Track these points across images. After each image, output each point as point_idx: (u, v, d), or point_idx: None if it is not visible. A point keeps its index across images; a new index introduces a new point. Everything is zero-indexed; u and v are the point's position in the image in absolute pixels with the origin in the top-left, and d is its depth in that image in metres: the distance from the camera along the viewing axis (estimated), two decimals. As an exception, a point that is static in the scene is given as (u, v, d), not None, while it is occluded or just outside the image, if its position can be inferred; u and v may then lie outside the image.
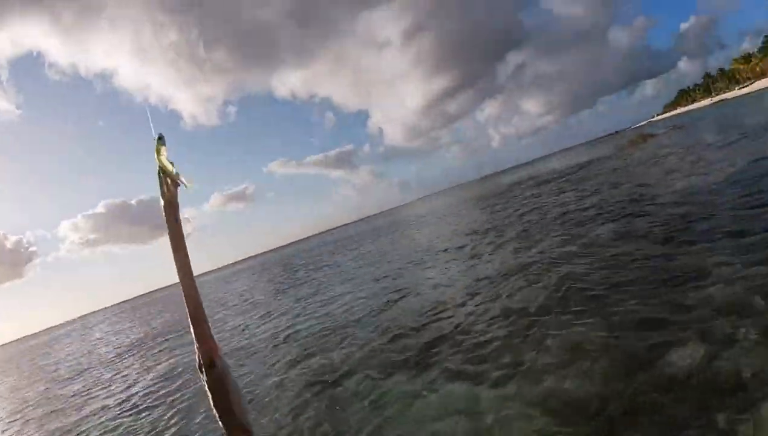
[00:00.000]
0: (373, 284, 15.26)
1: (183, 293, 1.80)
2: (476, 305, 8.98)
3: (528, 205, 23.02)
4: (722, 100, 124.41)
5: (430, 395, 5.87)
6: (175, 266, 1.84)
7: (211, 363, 1.77)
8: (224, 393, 1.78)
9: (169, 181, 1.88)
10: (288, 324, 13.60)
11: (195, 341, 1.77)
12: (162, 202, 1.86)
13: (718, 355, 4.57)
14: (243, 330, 15.25)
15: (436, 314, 9.31)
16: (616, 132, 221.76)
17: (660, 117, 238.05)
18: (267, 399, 7.76)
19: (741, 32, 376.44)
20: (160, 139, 1.87)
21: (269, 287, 28.99)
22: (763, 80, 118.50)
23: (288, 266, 42.26)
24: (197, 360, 1.76)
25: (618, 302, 6.64)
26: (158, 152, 1.86)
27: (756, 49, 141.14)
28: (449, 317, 8.78)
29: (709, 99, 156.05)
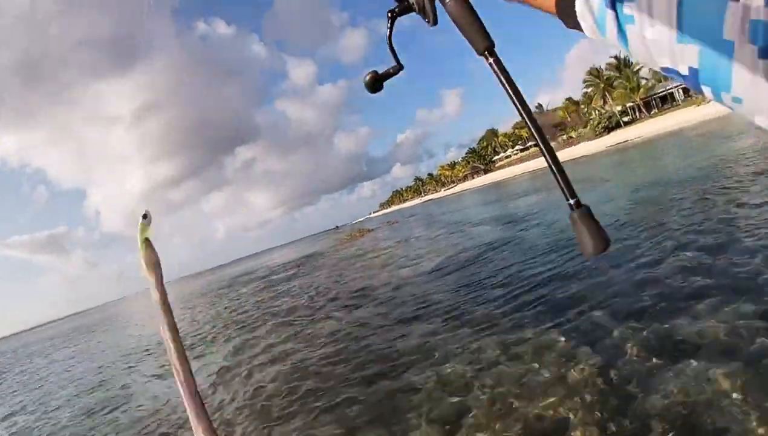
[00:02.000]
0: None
1: (176, 373, 1.78)
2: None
3: (244, 303, 22.65)
4: (430, 199, 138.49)
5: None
6: (166, 341, 1.84)
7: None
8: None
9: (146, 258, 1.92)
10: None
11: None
12: (150, 280, 1.90)
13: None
14: None
15: None
16: (337, 227, 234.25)
17: (376, 214, 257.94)
18: None
19: (447, 144, 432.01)
20: (145, 218, 1.92)
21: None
22: (464, 183, 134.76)
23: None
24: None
25: (345, 396, 6.50)
26: (141, 232, 1.92)
27: (460, 159, 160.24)
28: None
29: (419, 199, 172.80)
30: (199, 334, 16.35)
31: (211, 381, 9.60)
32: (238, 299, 25.24)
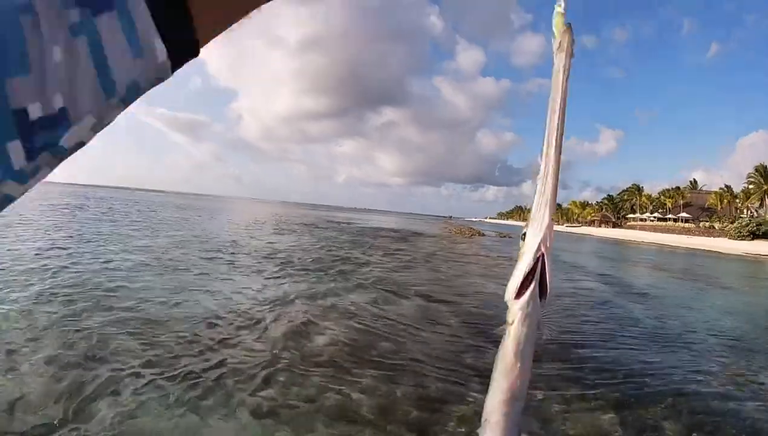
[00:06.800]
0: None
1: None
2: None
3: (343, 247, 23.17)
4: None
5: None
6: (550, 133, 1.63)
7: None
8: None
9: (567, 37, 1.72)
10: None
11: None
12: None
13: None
14: None
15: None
16: (450, 217, 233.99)
17: (491, 220, 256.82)
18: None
19: (585, 182, 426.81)
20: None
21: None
22: (589, 228, 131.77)
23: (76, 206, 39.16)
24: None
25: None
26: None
27: (594, 202, 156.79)
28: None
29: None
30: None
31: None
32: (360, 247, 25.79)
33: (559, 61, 1.87)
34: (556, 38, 1.87)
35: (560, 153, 1.73)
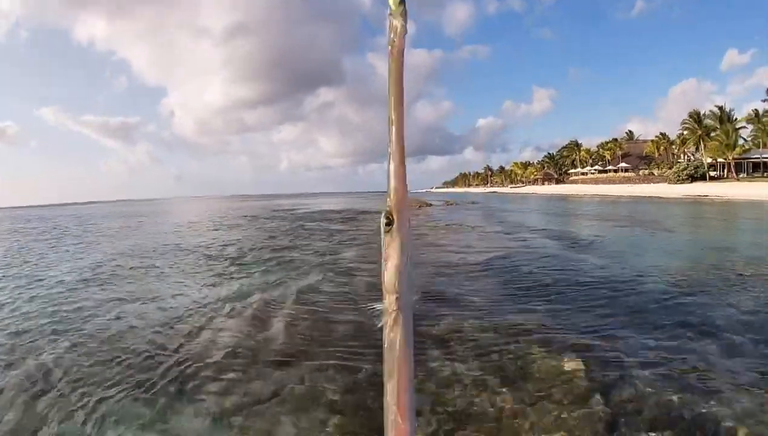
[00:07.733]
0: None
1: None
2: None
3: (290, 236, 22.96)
4: (494, 191, 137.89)
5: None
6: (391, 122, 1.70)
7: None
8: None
9: (398, 25, 1.63)
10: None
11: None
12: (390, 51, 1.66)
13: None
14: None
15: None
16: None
17: (437, 190, 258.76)
18: None
19: (525, 143, 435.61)
20: None
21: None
22: (533, 187, 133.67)
23: None
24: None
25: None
26: None
27: (535, 161, 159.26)
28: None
29: (484, 187, 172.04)
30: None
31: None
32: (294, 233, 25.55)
33: (393, 32, 1.75)
34: (390, 8, 1.74)
35: (403, 128, 1.66)
